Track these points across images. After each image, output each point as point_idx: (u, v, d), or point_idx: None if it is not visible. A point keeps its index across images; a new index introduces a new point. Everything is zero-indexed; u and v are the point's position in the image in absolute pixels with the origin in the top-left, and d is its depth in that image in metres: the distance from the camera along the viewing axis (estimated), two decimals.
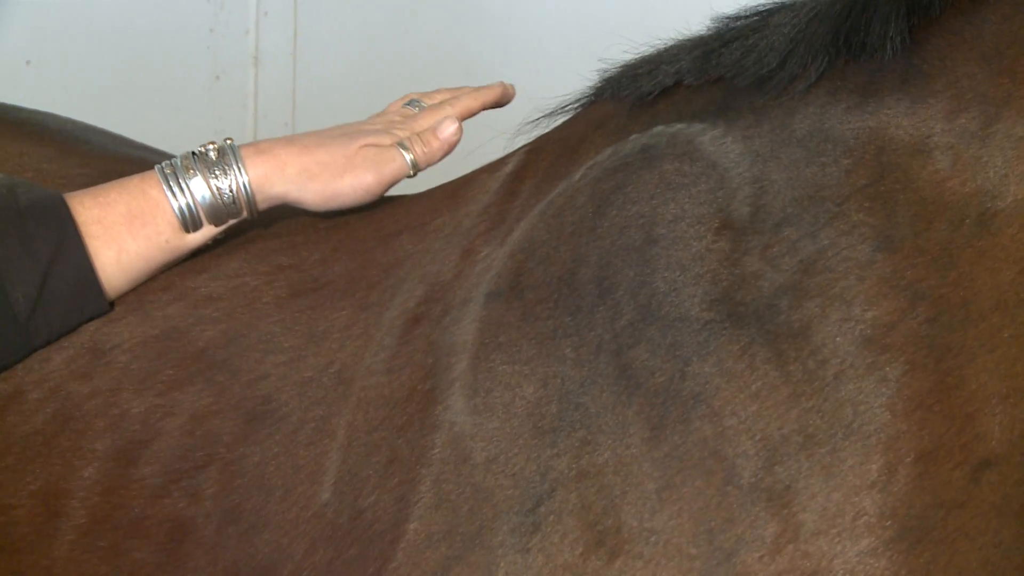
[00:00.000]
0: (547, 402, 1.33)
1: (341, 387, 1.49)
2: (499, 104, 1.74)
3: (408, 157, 1.63)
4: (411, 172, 1.63)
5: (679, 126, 1.43)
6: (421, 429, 1.40)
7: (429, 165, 1.64)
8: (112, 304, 1.56)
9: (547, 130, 1.66)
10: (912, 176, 1.29)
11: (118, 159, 2.02)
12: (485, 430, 1.31)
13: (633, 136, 1.46)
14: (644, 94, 1.52)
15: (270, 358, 1.48)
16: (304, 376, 1.49)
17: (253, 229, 1.76)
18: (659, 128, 1.46)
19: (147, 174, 1.55)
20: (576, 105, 1.62)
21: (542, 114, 1.67)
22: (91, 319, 1.56)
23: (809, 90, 1.39)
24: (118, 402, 1.56)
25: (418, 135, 1.64)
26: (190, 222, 1.55)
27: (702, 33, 1.53)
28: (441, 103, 1.71)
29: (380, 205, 1.75)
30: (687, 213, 1.37)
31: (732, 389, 1.27)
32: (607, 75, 1.58)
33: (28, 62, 3.49)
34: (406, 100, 1.73)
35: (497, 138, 1.71)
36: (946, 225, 1.26)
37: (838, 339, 1.25)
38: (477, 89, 1.74)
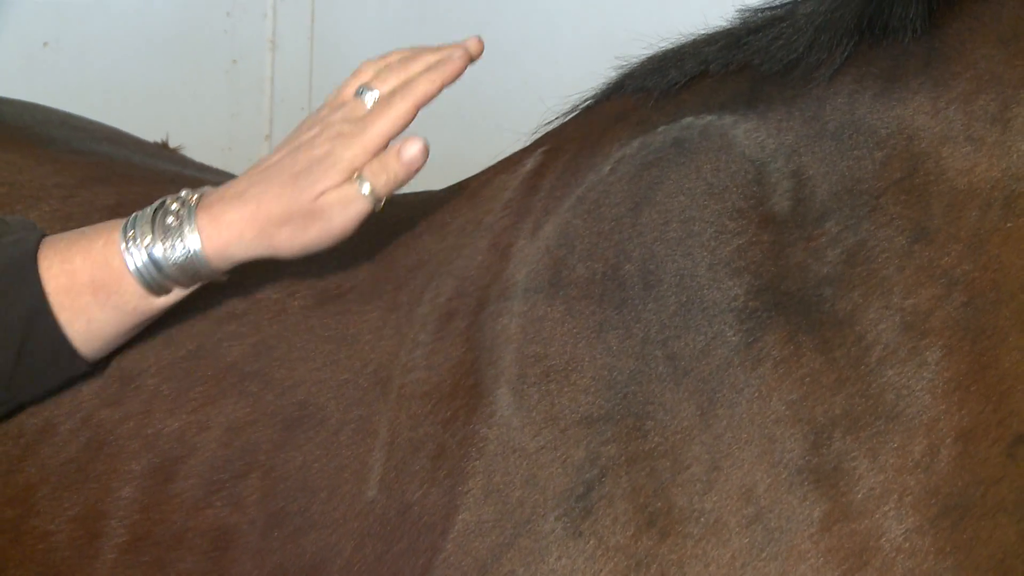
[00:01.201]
0: (595, 392, 1.41)
1: (379, 386, 1.55)
2: (461, 73, 1.61)
3: (369, 194, 1.52)
4: (377, 208, 1.54)
5: (709, 118, 1.52)
6: (468, 423, 1.46)
7: (394, 192, 1.55)
8: (91, 363, 1.59)
9: (564, 127, 1.71)
10: (943, 166, 1.38)
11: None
12: (534, 422, 1.39)
13: (661, 128, 1.55)
14: (670, 84, 1.59)
15: (302, 365, 1.57)
16: (340, 379, 1.56)
17: None
18: (688, 119, 1.54)
19: (112, 236, 1.54)
20: (593, 101, 1.69)
21: (559, 114, 1.71)
22: (73, 378, 1.60)
23: (835, 76, 1.47)
24: (151, 423, 1.63)
25: (380, 163, 1.52)
26: (155, 288, 1.54)
27: (727, 25, 1.61)
28: (393, 94, 1.55)
29: (394, 209, 1.76)
30: (728, 208, 1.45)
31: (779, 375, 1.36)
32: (626, 70, 1.65)
33: (45, 44, 3.59)
34: (355, 85, 1.60)
35: (516, 142, 1.68)
36: (976, 211, 1.36)
37: (880, 326, 1.35)
38: (435, 64, 1.58)
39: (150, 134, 2.67)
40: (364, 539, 1.47)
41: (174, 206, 1.53)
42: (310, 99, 3.76)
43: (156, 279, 1.52)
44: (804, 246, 1.39)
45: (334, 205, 1.51)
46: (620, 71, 1.69)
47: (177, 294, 1.55)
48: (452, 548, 1.41)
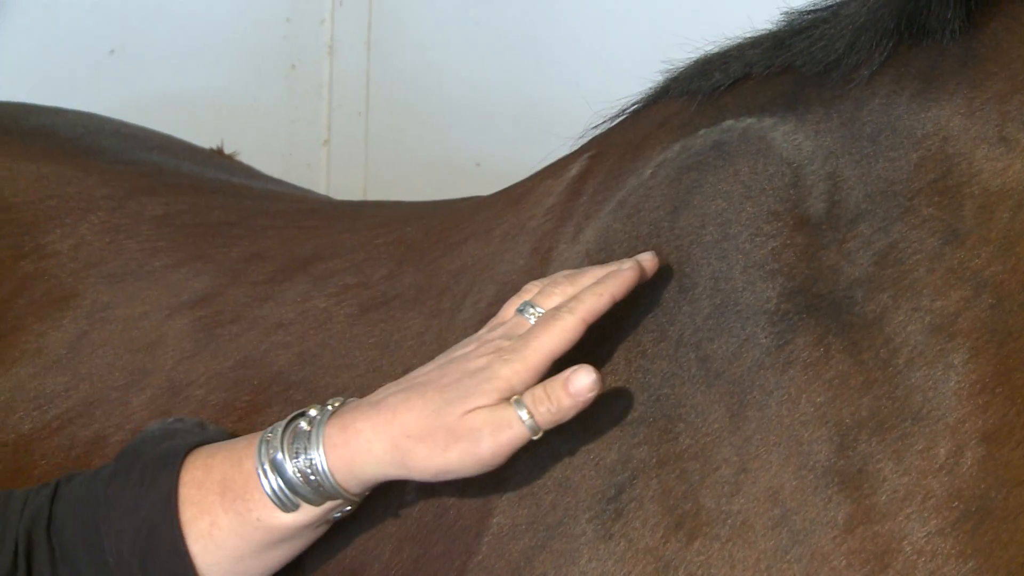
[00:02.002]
0: (628, 395, 1.45)
1: None
2: (633, 286, 1.46)
3: (528, 421, 1.37)
4: (534, 437, 1.38)
5: (749, 120, 1.57)
6: None
7: (556, 425, 1.38)
8: None
9: (610, 132, 1.76)
10: (977, 167, 1.42)
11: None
12: (568, 424, 1.41)
13: (702, 131, 1.61)
14: (714, 87, 1.64)
15: (346, 372, 1.61)
16: (382, 385, 1.54)
17: (310, 251, 1.76)
18: (729, 122, 1.59)
19: (254, 437, 1.47)
20: (640, 105, 1.74)
21: (606, 119, 1.75)
22: None
23: (874, 77, 1.51)
24: None
25: (544, 390, 1.37)
26: (282, 501, 1.43)
27: (772, 27, 1.66)
28: (558, 308, 1.43)
29: (441, 216, 1.79)
30: (764, 211, 1.49)
31: (808, 377, 1.39)
32: (672, 74, 1.71)
33: (112, 51, 3.63)
34: (517, 303, 1.48)
35: (564, 146, 1.67)
36: (1007, 212, 1.40)
37: (909, 328, 1.39)
38: (604, 277, 1.45)
39: (210, 140, 2.75)
40: (402, 543, 1.51)
41: (313, 411, 1.45)
42: (367, 104, 3.81)
43: (280, 488, 1.43)
44: (837, 248, 1.42)
45: (484, 427, 1.37)
46: (666, 75, 1.71)
47: (306, 513, 1.44)
48: (486, 551, 1.45)
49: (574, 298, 1.43)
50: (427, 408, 1.39)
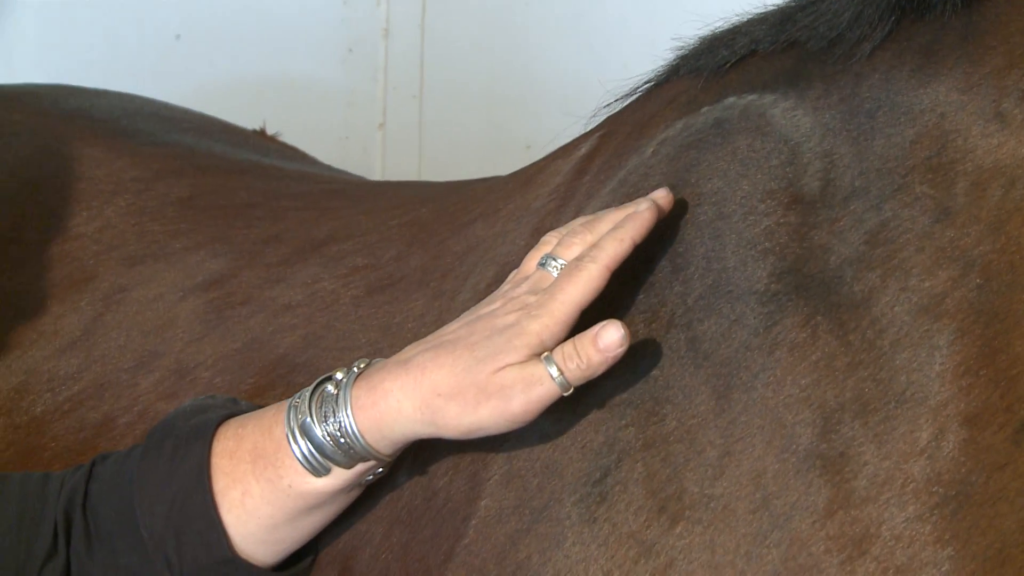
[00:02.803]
0: (616, 375, 1.43)
1: None
2: (651, 226, 1.46)
3: (558, 378, 1.37)
4: (564, 393, 1.38)
5: (751, 97, 1.57)
6: None
7: (586, 380, 1.38)
8: (236, 553, 1.48)
9: (622, 111, 1.75)
10: (971, 143, 1.40)
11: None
12: (555, 405, 1.41)
13: (705, 108, 1.60)
14: (720, 64, 1.62)
15: (348, 355, 1.60)
16: None
17: (326, 233, 1.76)
18: (731, 99, 1.58)
19: (282, 404, 1.47)
20: (652, 83, 1.72)
21: (618, 97, 1.74)
22: (215, 563, 1.48)
23: (876, 52, 1.49)
24: None
25: (574, 346, 1.37)
26: (313, 466, 1.43)
27: (779, 4, 1.64)
28: (580, 258, 1.43)
29: (454, 196, 1.79)
30: (758, 189, 1.48)
31: (794, 358, 1.38)
32: (682, 52, 1.70)
33: (178, 36, 3.65)
34: (537, 257, 1.48)
35: (575, 124, 1.65)
36: (998, 190, 1.37)
37: (896, 308, 1.37)
38: (623, 221, 1.45)
39: (269, 125, 2.72)
40: (393, 526, 1.51)
41: (339, 374, 1.45)
42: (421, 87, 3.82)
43: (311, 453, 1.43)
44: (829, 227, 1.40)
45: (515, 384, 1.37)
46: (677, 52, 1.68)
47: (338, 477, 1.45)
48: (473, 535, 1.45)
49: (595, 246, 1.42)
50: (457, 366, 1.38)
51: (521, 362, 1.37)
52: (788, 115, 1.50)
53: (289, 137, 2.80)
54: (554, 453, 1.44)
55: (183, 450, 1.49)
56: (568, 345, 1.37)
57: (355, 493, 1.49)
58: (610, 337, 1.35)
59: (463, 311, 1.59)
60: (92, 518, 1.51)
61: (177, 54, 3.83)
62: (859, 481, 1.30)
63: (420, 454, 1.51)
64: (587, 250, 1.43)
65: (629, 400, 1.42)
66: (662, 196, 1.47)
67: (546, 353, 1.38)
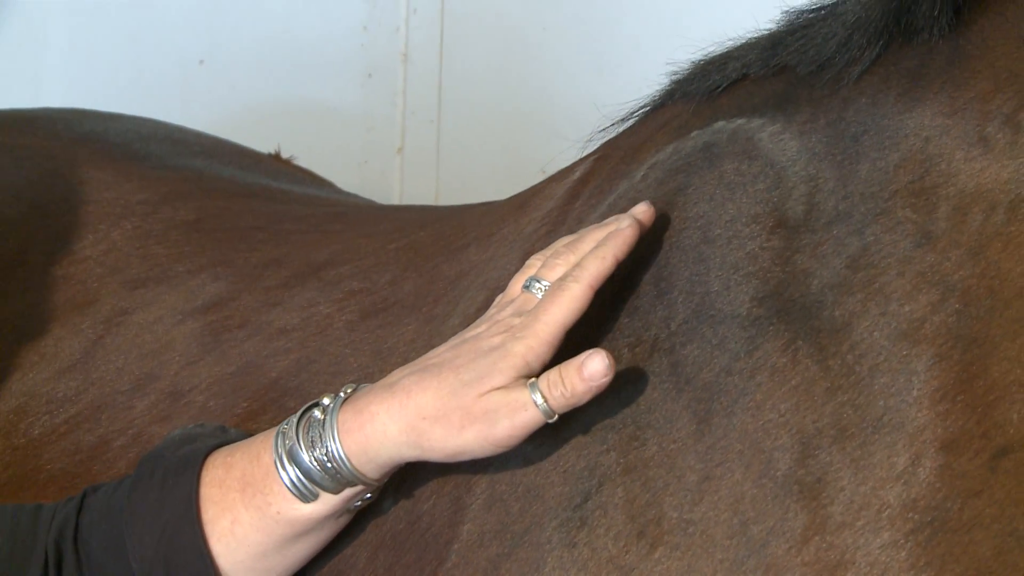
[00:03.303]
0: (599, 400, 1.42)
1: None
2: (633, 243, 1.46)
3: (542, 406, 1.37)
4: (549, 420, 1.39)
5: (739, 121, 1.58)
6: None
7: (570, 409, 1.39)
8: None
9: (618, 136, 1.76)
10: (954, 167, 1.40)
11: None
12: (538, 430, 1.41)
13: (695, 132, 1.62)
14: (711, 88, 1.63)
15: (339, 379, 1.61)
16: None
17: (326, 257, 1.78)
18: (720, 124, 1.59)
19: (271, 432, 1.48)
20: (648, 108, 1.72)
21: (614, 122, 1.72)
22: None
23: (864, 76, 1.49)
24: None
25: (559, 374, 1.37)
26: (301, 492, 1.44)
27: (772, 28, 1.65)
28: (564, 279, 1.43)
29: (450, 220, 1.79)
30: (743, 213, 1.48)
31: (774, 383, 1.38)
32: (676, 76, 1.64)
33: (201, 61, 3.67)
34: (522, 280, 1.49)
35: (570, 149, 1.66)
36: (979, 215, 1.38)
37: (875, 334, 1.37)
38: (604, 240, 1.45)
39: (290, 148, 2.74)
40: (377, 550, 1.52)
41: (326, 400, 1.46)
42: (439, 112, 3.84)
43: (298, 479, 1.44)
44: (812, 252, 1.41)
45: (500, 408, 1.38)
46: (672, 77, 1.68)
47: (326, 503, 1.45)
48: (455, 559, 1.46)
49: (578, 266, 1.43)
50: (443, 389, 1.39)
51: (506, 386, 1.38)
52: (775, 139, 1.50)
53: (309, 161, 2.83)
54: (536, 477, 1.44)
55: (172, 480, 1.49)
56: (553, 373, 1.38)
57: (344, 520, 1.50)
58: (595, 367, 1.35)
59: (452, 336, 1.60)
60: (83, 550, 1.51)
61: (201, 79, 3.86)
62: (835, 507, 1.30)
63: (405, 478, 1.51)
64: (570, 270, 1.44)
65: (611, 425, 1.42)
66: (643, 211, 1.47)
67: (532, 380, 1.38)
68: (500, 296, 1.51)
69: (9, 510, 1.54)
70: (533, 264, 1.49)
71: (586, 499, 1.40)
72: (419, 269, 1.75)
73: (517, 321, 1.42)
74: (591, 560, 1.38)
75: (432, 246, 1.79)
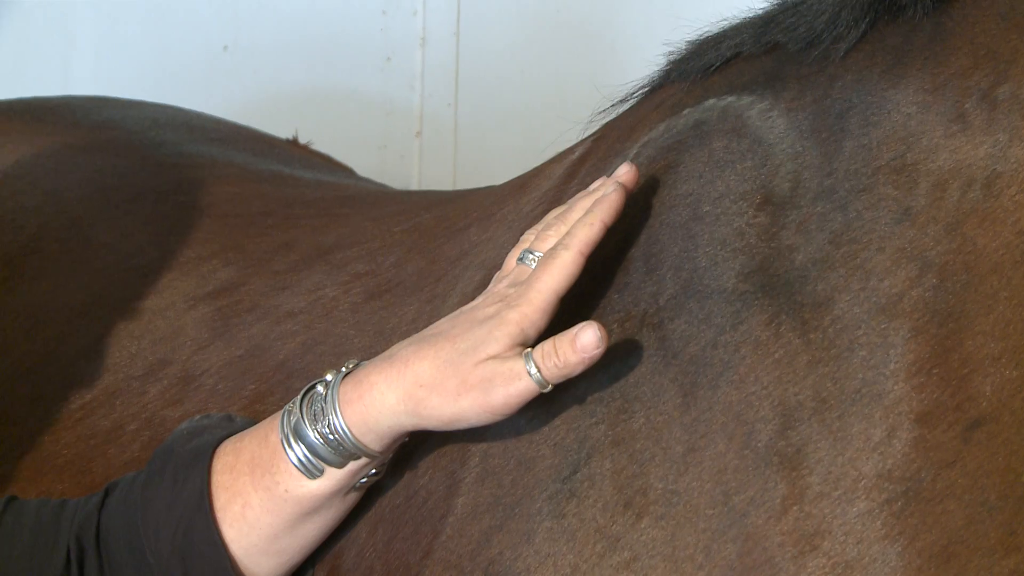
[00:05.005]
0: (589, 374, 1.46)
1: None
2: (621, 207, 1.50)
3: (535, 376, 1.40)
4: (543, 390, 1.42)
5: (729, 99, 1.61)
6: None
7: (564, 379, 1.42)
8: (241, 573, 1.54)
9: (618, 116, 1.80)
10: (934, 144, 1.43)
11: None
12: (530, 403, 1.45)
13: (686, 110, 1.64)
14: (705, 67, 1.66)
15: (343, 360, 1.65)
16: None
17: (333, 240, 1.81)
18: (711, 101, 1.62)
19: (278, 414, 1.52)
20: (646, 88, 1.76)
21: (613, 103, 1.74)
22: None
23: (851, 53, 1.53)
24: None
25: (553, 345, 1.40)
26: (307, 468, 1.48)
27: (766, 7, 1.68)
28: (555, 247, 1.47)
29: (454, 203, 1.83)
30: (732, 190, 1.52)
31: (757, 356, 1.42)
32: (672, 57, 1.65)
33: (225, 47, 3.73)
34: (516, 254, 1.53)
35: (567, 128, 1.70)
36: (957, 191, 1.41)
37: (855, 308, 1.40)
38: (592, 207, 1.49)
39: (311, 133, 2.78)
40: (377, 525, 1.56)
41: (328, 376, 1.50)
42: (456, 96, 3.88)
43: (304, 455, 1.47)
44: (797, 227, 1.44)
45: (495, 377, 1.41)
46: (669, 57, 1.72)
47: (332, 478, 1.49)
48: (450, 532, 1.50)
49: (567, 234, 1.47)
50: (439, 358, 1.43)
51: (502, 355, 1.42)
52: (763, 117, 1.53)
53: (330, 146, 2.87)
54: (527, 450, 1.48)
55: (183, 475, 1.53)
56: (548, 343, 1.41)
57: (352, 498, 1.54)
58: (587, 338, 1.39)
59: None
60: (105, 550, 1.55)
61: (225, 64, 3.91)
62: (814, 477, 1.34)
63: (403, 454, 1.56)
64: (561, 239, 1.48)
65: (600, 398, 1.46)
66: (625, 172, 1.51)
67: (527, 350, 1.42)
68: (498, 272, 1.55)
69: (33, 506, 1.59)
70: (527, 238, 1.54)
71: (575, 471, 1.45)
72: (422, 250, 1.79)
73: (512, 291, 1.46)
74: (580, 530, 1.42)
75: (436, 228, 1.84)
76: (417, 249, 1.81)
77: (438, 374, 1.42)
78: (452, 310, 1.63)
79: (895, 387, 1.34)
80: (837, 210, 1.43)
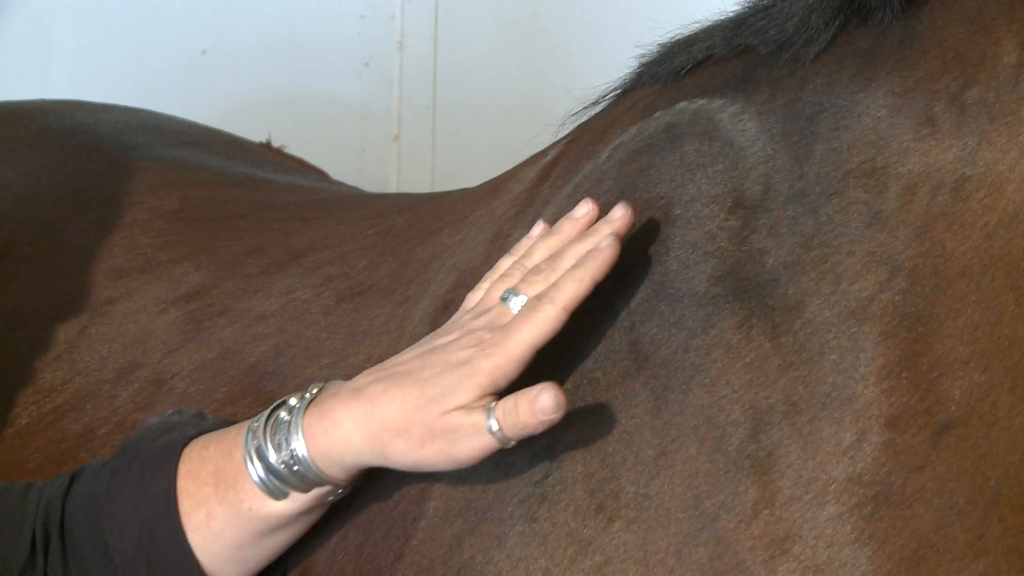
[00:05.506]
0: (561, 378, 1.47)
1: None
2: (613, 262, 1.46)
3: (497, 433, 1.38)
4: (505, 447, 1.40)
5: (701, 102, 1.62)
6: None
7: (525, 437, 1.40)
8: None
9: (588, 119, 1.80)
10: (904, 147, 1.44)
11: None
12: None
13: (658, 113, 1.65)
14: (676, 70, 1.67)
15: (315, 363, 1.64)
16: (346, 375, 1.61)
17: (305, 243, 1.81)
18: (683, 104, 1.62)
19: (243, 426, 1.50)
20: (619, 91, 1.70)
21: (585, 106, 1.71)
22: None
23: (821, 56, 1.53)
24: None
25: (515, 403, 1.37)
26: (271, 490, 1.47)
27: (737, 9, 1.68)
28: (540, 297, 1.44)
29: (427, 206, 1.83)
30: (703, 193, 1.52)
31: (728, 360, 1.42)
32: (645, 59, 1.64)
33: (204, 51, 3.73)
34: (500, 289, 1.49)
35: (544, 132, 1.69)
36: (926, 195, 1.41)
37: (826, 312, 1.41)
38: (584, 259, 1.45)
39: (288, 139, 2.78)
40: (348, 530, 1.56)
41: (292, 400, 1.48)
42: (434, 100, 3.88)
43: (268, 478, 1.46)
44: (768, 231, 1.44)
45: (459, 430, 1.40)
46: (641, 60, 1.72)
47: (297, 500, 1.48)
48: (422, 536, 1.50)
49: (555, 286, 1.44)
50: (407, 403, 1.41)
51: (470, 404, 1.40)
52: (735, 120, 1.53)
53: (307, 150, 2.87)
54: (500, 454, 1.47)
55: (150, 473, 1.52)
56: (510, 401, 1.39)
57: (318, 513, 1.53)
58: (545, 403, 1.36)
59: (423, 318, 1.63)
60: (69, 540, 1.55)
61: (203, 68, 3.91)
62: (784, 481, 1.34)
63: None
64: (547, 289, 1.45)
65: (572, 400, 1.45)
66: (620, 217, 1.48)
67: (492, 404, 1.40)
68: (474, 298, 1.52)
69: None
70: (513, 274, 1.50)
71: (547, 475, 1.45)
72: (395, 253, 1.79)
73: (489, 336, 1.43)
74: (551, 534, 1.42)
75: (408, 231, 1.83)
76: (389, 252, 1.80)
77: (405, 419, 1.41)
78: (424, 313, 1.64)
79: (865, 391, 1.34)
80: (808, 214, 1.44)
